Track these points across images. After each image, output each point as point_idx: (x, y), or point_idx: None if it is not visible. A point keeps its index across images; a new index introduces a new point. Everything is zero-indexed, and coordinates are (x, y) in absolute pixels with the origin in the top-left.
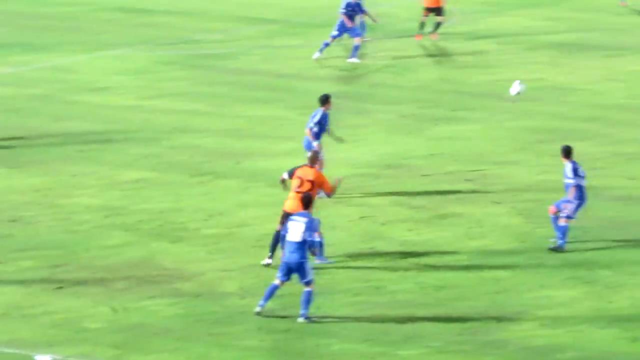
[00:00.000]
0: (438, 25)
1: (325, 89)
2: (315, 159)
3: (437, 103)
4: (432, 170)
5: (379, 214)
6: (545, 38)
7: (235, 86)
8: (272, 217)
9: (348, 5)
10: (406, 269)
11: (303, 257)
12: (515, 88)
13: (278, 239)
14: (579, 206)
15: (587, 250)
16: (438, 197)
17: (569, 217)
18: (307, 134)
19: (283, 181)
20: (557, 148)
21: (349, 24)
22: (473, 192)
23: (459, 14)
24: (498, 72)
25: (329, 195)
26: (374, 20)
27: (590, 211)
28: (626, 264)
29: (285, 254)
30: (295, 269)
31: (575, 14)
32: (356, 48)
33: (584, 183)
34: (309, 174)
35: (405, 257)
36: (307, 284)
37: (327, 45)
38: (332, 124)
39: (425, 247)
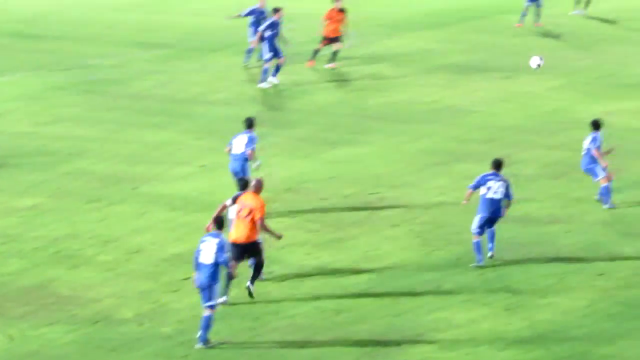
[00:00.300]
0: (335, 54)
1: (222, 112)
2: (259, 187)
3: (335, 126)
4: (330, 193)
5: None
6: (441, 60)
7: (131, 111)
8: (169, 242)
9: (270, 25)
10: (305, 293)
11: (214, 279)
12: (535, 61)
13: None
14: (481, 219)
15: (485, 272)
16: (336, 221)
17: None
18: (250, 155)
19: (224, 208)
20: (454, 170)
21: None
22: (371, 214)
23: (355, 36)
24: (394, 94)
25: (258, 224)
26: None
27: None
28: (524, 285)
29: (197, 277)
30: (203, 290)
31: (471, 35)
32: (265, 71)
33: (490, 195)
34: (250, 200)
35: (304, 281)
36: (210, 308)
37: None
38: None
39: (324, 270)
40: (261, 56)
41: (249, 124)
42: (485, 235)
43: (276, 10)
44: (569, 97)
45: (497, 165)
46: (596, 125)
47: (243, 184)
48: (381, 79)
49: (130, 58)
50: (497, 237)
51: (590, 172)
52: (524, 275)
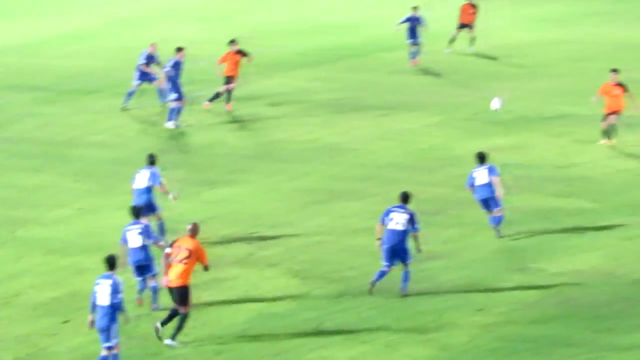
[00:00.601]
0: (229, 93)
1: (100, 155)
2: (196, 231)
3: (213, 166)
4: (209, 233)
5: None
6: (318, 98)
7: (8, 154)
8: (48, 285)
9: (176, 64)
10: (185, 334)
11: (112, 320)
12: (495, 103)
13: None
14: (385, 251)
15: (365, 309)
16: (216, 261)
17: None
18: (162, 189)
19: (168, 256)
20: (333, 208)
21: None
22: (250, 254)
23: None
24: (272, 133)
25: (206, 268)
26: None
27: (366, 271)
28: (404, 322)
29: (95, 319)
30: (102, 332)
31: (348, 74)
32: (172, 111)
33: (392, 226)
34: (188, 243)
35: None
36: (109, 349)
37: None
38: (112, 189)
39: (203, 311)
40: (163, 98)
41: (151, 160)
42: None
43: (179, 50)
44: (446, 134)
45: (404, 198)
46: (482, 158)
47: (137, 212)
48: (259, 118)
49: (7, 101)
50: (372, 273)
51: (489, 202)
52: (404, 312)
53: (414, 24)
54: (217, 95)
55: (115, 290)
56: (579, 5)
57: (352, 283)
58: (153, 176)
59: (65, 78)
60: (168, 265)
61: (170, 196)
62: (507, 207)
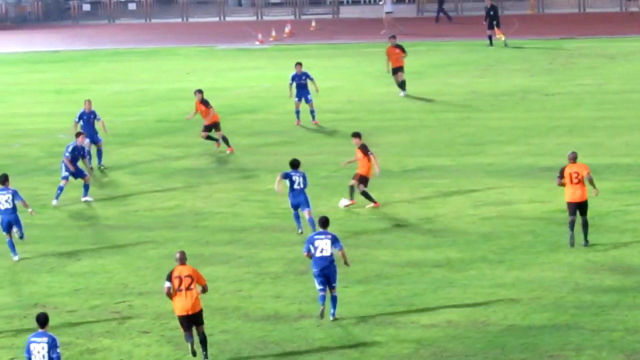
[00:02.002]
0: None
1: None
2: (185, 257)
3: (77, 238)
4: (77, 306)
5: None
6: (179, 164)
7: None
8: None
9: (75, 149)
10: None
11: None
12: (343, 202)
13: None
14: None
15: None
16: (86, 332)
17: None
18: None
19: (169, 292)
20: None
21: (71, 168)
22: (120, 324)
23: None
24: (135, 202)
25: (204, 289)
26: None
27: (238, 333)
28: None
29: None
30: None
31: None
32: (87, 187)
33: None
34: (185, 270)
35: None
36: None
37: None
38: None
39: None
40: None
41: (3, 179)
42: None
43: (79, 134)
44: (308, 193)
45: (324, 223)
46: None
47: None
48: (120, 187)
49: None
50: (249, 336)
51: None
52: None
53: (301, 81)
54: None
55: (52, 346)
56: (428, 57)
57: (225, 346)
58: (15, 194)
59: None
60: (173, 296)
61: (29, 211)
62: (373, 261)
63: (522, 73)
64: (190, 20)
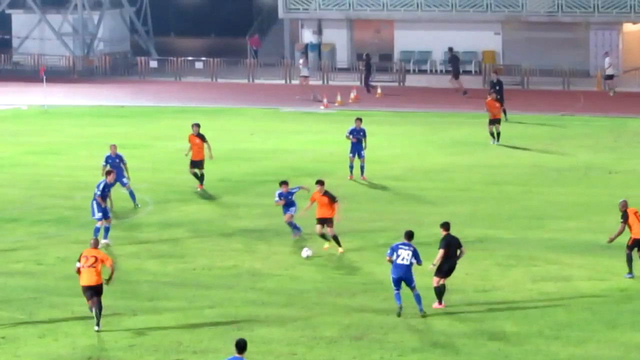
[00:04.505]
0: (202, 176)
1: (19, 283)
2: (97, 243)
3: (134, 294)
4: None
5: None
6: (238, 224)
7: None
8: None
9: (105, 187)
10: None
11: None
12: (305, 252)
13: None
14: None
15: None
16: None
17: None
18: None
19: (79, 270)
20: (255, 335)
21: (103, 204)
22: None
23: (152, 203)
24: (193, 260)
25: (110, 277)
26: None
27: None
28: None
29: None
30: None
31: (267, 200)
32: (107, 229)
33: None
34: (93, 252)
35: None
36: None
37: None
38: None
39: None
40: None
41: None
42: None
43: (108, 173)
44: (366, 258)
45: (409, 236)
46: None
47: None
48: (179, 244)
49: None
50: None
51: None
52: None
53: (358, 136)
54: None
55: None
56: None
57: None
58: None
59: None
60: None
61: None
62: (428, 330)
63: (586, 149)
64: (257, 81)
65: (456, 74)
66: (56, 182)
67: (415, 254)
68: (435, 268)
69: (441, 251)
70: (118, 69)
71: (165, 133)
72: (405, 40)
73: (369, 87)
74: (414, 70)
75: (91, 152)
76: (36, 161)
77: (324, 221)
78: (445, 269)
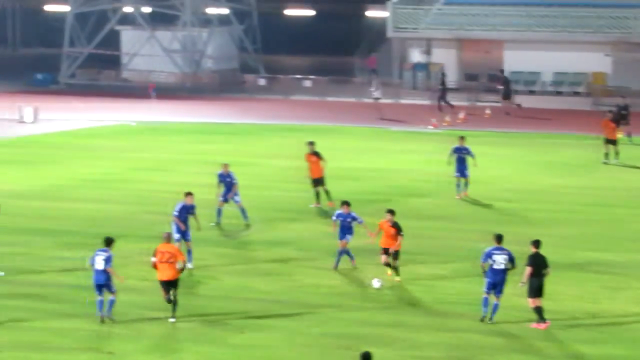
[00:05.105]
0: (327, 192)
1: (127, 299)
2: (169, 238)
3: (241, 311)
4: None
5: None
6: None
7: (36, 299)
8: None
9: (183, 208)
10: None
11: None
12: (376, 283)
13: None
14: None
15: None
16: None
17: None
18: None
19: (155, 265)
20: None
21: (182, 227)
22: None
23: (259, 221)
24: (300, 278)
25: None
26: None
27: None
28: None
29: None
30: None
31: (374, 219)
32: (189, 252)
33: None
34: (167, 247)
35: None
36: None
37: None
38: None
39: None
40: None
41: (108, 242)
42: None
43: (188, 194)
44: (473, 281)
45: (499, 239)
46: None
47: None
48: (287, 263)
49: (34, 246)
50: None
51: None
52: None
53: (461, 155)
54: (327, 193)
55: None
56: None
57: None
58: (108, 259)
59: (90, 221)
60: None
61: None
62: (537, 352)
63: None
64: (365, 100)
65: (506, 96)
66: (162, 198)
67: (511, 258)
68: (525, 286)
69: (528, 269)
70: (226, 86)
71: (272, 151)
72: (515, 60)
73: (449, 105)
74: (522, 91)
75: (198, 169)
76: (143, 177)
77: (388, 251)
78: (535, 286)
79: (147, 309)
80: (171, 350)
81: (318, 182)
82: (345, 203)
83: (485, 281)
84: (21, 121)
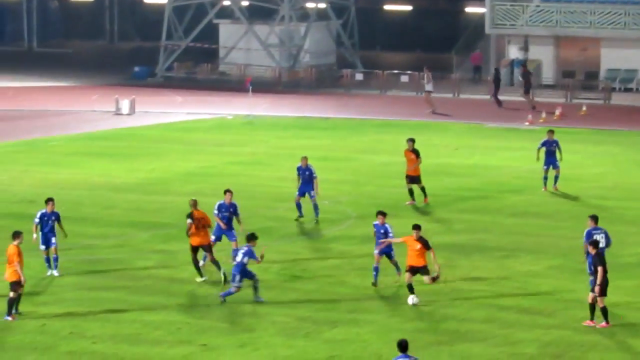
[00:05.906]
0: (423, 190)
1: (205, 291)
2: (196, 204)
3: (334, 306)
4: None
5: None
6: (440, 239)
7: (130, 291)
8: None
9: (221, 206)
10: None
11: None
12: (411, 300)
13: None
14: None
15: None
16: None
17: None
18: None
19: (190, 227)
20: (455, 350)
21: (223, 225)
22: None
23: (354, 216)
24: (394, 273)
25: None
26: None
27: None
28: None
29: None
30: None
31: (469, 215)
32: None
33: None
34: (200, 214)
35: None
36: None
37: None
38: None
39: None
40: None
41: (249, 238)
42: None
43: (227, 191)
44: (568, 277)
45: (595, 219)
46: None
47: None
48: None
49: (130, 238)
50: None
51: None
52: None
53: (551, 148)
54: (423, 190)
55: None
56: None
57: None
58: (249, 253)
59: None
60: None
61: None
62: (628, 349)
63: None
64: (462, 96)
65: (527, 90)
66: (259, 192)
67: (606, 236)
68: (600, 288)
69: (601, 269)
70: (323, 81)
71: (368, 146)
72: (612, 58)
73: (498, 101)
74: (619, 89)
75: (294, 164)
76: (240, 171)
77: (416, 270)
78: (604, 285)
79: (240, 302)
80: (264, 344)
81: (413, 179)
82: (381, 213)
83: (587, 262)
84: (118, 113)
